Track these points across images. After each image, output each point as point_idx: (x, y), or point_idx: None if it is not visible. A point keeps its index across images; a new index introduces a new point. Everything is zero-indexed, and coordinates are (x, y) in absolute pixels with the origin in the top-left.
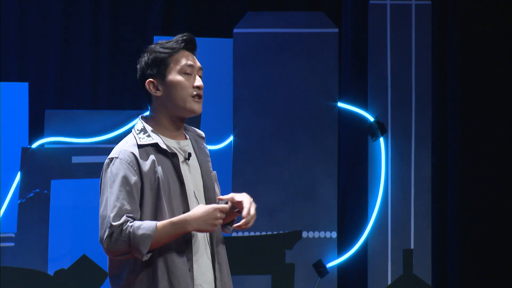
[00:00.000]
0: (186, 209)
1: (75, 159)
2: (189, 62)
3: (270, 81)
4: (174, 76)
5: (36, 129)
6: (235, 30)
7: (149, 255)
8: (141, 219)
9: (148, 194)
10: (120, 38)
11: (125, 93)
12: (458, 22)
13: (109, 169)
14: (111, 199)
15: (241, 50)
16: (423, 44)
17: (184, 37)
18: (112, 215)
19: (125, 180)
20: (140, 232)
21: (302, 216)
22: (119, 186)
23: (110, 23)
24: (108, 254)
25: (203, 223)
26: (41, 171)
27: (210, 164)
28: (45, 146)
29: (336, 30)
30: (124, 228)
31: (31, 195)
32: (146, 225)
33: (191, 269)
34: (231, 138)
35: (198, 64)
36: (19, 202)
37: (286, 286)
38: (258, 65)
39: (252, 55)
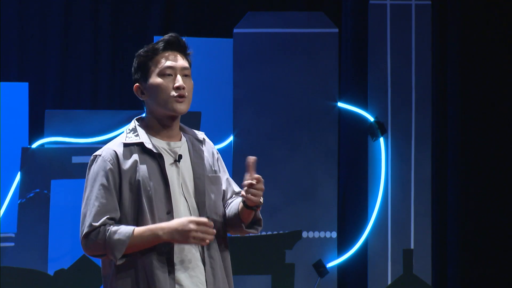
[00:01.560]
0: (171, 209)
1: (75, 159)
2: (169, 64)
3: (270, 81)
4: (154, 79)
5: (36, 129)
6: (235, 30)
7: (124, 259)
8: (121, 219)
9: (126, 193)
10: (120, 38)
11: (125, 93)
12: (458, 22)
13: (92, 167)
14: (91, 197)
15: (241, 50)
16: (423, 44)
17: (166, 38)
18: (91, 214)
19: (105, 178)
20: (115, 237)
21: (302, 216)
22: (99, 184)
23: (110, 23)
24: (85, 252)
25: (176, 234)
26: (41, 171)
27: (204, 168)
28: (45, 146)
29: (336, 30)
30: (101, 230)
31: (31, 195)
32: (122, 231)
33: (172, 272)
34: (231, 138)
35: (181, 63)
36: (19, 202)
37: (286, 286)
38: (258, 65)
39: (252, 55)
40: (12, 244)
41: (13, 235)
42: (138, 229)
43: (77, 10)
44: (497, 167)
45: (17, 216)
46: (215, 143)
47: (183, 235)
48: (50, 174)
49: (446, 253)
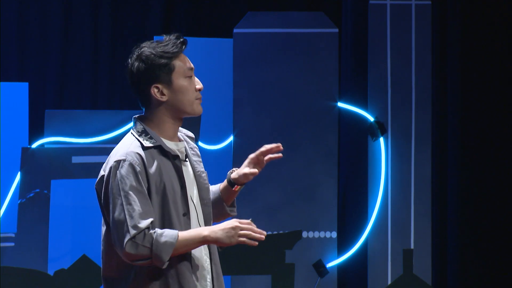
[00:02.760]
0: (187, 211)
1: (75, 159)
2: (190, 65)
3: (270, 81)
4: (180, 81)
5: (36, 129)
6: (235, 30)
7: (167, 263)
8: None
9: (154, 197)
10: (120, 38)
11: (125, 93)
12: (458, 22)
13: (118, 172)
14: (127, 202)
15: (241, 50)
16: (423, 44)
17: (182, 40)
18: (133, 217)
19: (137, 182)
20: (163, 239)
21: (302, 216)
22: (133, 189)
23: (110, 23)
24: (126, 258)
25: (222, 234)
26: (41, 171)
27: (202, 164)
28: (45, 146)
29: (336, 30)
30: (146, 233)
31: (31, 195)
32: (168, 233)
33: (192, 269)
34: (231, 138)
35: (192, 64)
36: (19, 202)
37: (286, 286)
38: (258, 65)
39: (252, 55)
40: (12, 244)
41: (13, 235)
42: (182, 232)
43: (77, 10)
44: (497, 167)
45: (17, 216)
46: (215, 143)
47: (228, 234)
48: (50, 174)
49: (446, 253)
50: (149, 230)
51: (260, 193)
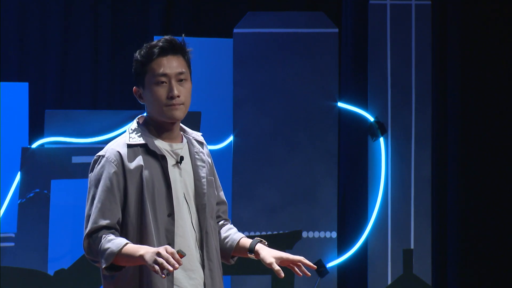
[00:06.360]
0: (171, 211)
1: (75, 159)
2: (162, 71)
3: (270, 81)
4: (149, 87)
5: (36, 129)
6: (235, 30)
7: (114, 272)
8: (126, 221)
9: (132, 194)
10: (120, 38)
11: (125, 93)
12: (458, 22)
13: (95, 167)
14: (94, 199)
15: (241, 50)
16: (423, 44)
17: (160, 44)
18: (94, 216)
19: (109, 181)
20: (107, 245)
21: (302, 216)
22: (103, 186)
23: (110, 23)
24: (85, 253)
25: (148, 254)
26: (41, 171)
27: (205, 170)
28: (45, 146)
29: (336, 30)
30: (99, 235)
31: (31, 195)
32: (116, 241)
33: (171, 273)
34: (231, 138)
35: (176, 70)
36: (19, 202)
37: (286, 286)
38: (258, 65)
39: (252, 55)
40: (12, 244)
41: (13, 235)
42: (131, 245)
43: (77, 10)
44: (497, 167)
45: (17, 216)
46: (215, 143)
47: (151, 257)
48: (50, 174)
49: (446, 253)
50: (107, 230)
51: (260, 193)
